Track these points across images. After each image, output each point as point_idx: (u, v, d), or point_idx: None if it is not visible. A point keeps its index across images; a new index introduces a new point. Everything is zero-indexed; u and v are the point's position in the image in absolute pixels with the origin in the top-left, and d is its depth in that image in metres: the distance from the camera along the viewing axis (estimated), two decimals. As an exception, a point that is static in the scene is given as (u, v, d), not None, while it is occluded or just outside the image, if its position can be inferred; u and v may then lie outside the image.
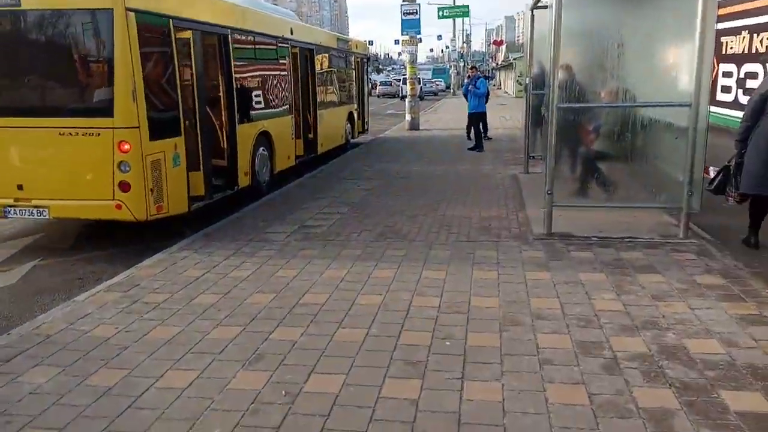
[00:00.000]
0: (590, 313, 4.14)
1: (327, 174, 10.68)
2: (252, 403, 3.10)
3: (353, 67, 15.39)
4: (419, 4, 18.61)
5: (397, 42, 20.85)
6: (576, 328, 3.89)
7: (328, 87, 13.19)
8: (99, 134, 6.03)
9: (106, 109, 6.01)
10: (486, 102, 14.16)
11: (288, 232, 6.56)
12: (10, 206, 6.25)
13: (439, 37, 66.85)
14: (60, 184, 6.18)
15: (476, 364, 3.43)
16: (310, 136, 12.17)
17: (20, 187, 6.20)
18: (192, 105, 7.16)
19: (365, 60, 16.44)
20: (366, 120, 16.65)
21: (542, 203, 6.12)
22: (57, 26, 6.13)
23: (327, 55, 13.04)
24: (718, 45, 16.24)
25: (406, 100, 19.18)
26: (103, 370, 3.48)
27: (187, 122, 6.94)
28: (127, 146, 6.04)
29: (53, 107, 6.21)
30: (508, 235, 6.19)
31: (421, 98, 43.95)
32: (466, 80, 14.38)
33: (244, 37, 8.75)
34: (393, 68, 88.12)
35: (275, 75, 10.02)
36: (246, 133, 8.64)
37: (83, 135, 6.06)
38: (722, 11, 16.09)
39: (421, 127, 19.18)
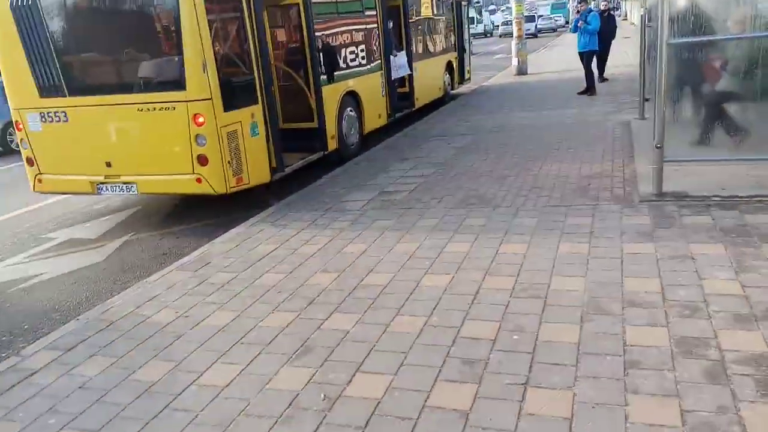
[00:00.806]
0: (698, 297, 3.43)
1: (418, 132, 10.19)
2: (288, 407, 2.85)
3: (450, 11, 14.49)
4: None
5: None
6: (677, 319, 3.22)
7: (422, 36, 12.51)
8: (174, 108, 5.99)
9: (178, 82, 5.94)
10: (613, 38, 12.88)
11: (366, 200, 6.25)
12: (102, 183, 6.47)
13: None
14: (144, 159, 6.28)
15: (546, 366, 2.93)
16: (405, 90, 11.71)
17: (109, 164, 6.39)
18: (269, 70, 6.96)
19: (464, 3, 15.41)
20: (467, 69, 15.76)
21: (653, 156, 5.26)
22: (126, 0, 6.10)
23: (419, 3, 12.32)
24: None
25: (512, 42, 17.91)
26: (152, 363, 3.40)
27: (264, 89, 6.75)
28: (201, 119, 5.95)
29: (130, 83, 6.25)
30: (609, 197, 5.42)
31: (535, 36, 41.85)
32: (576, 15, 12.99)
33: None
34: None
35: (361, 29, 9.57)
36: (331, 95, 8.35)
37: (160, 109, 6.06)
38: None
39: (529, 71, 17.91)
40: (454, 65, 14.68)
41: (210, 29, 5.90)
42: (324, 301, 3.95)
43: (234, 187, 6.30)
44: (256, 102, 6.62)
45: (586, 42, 11.72)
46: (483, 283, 3.95)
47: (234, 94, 6.28)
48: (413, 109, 11.70)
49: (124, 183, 6.43)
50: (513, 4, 17.63)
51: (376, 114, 10.01)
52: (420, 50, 12.33)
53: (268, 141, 6.86)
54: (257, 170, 6.68)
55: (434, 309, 3.65)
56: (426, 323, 3.49)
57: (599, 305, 3.47)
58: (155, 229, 6.52)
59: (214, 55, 5.98)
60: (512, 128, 9.46)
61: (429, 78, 12.89)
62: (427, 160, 7.85)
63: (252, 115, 6.56)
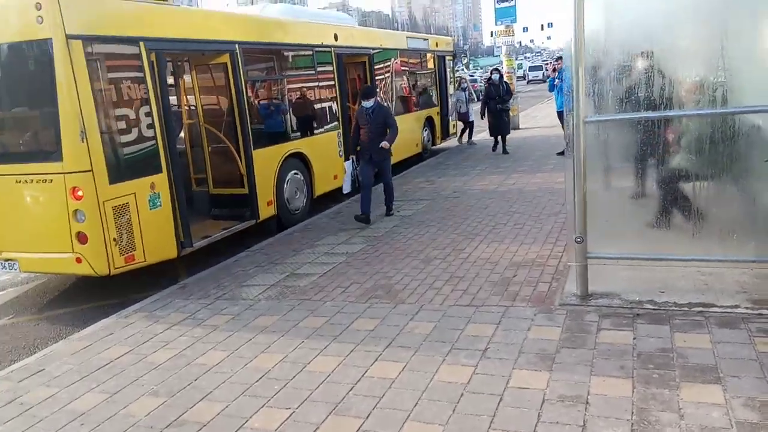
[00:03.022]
0: (572, 471, 2.56)
1: (376, 194, 9.44)
2: None
3: (433, 66, 13.98)
4: (514, -10, 16.71)
5: (492, 34, 18.97)
6: None
7: (396, 93, 11.97)
8: (52, 180, 5.39)
9: (55, 153, 5.35)
10: None
11: (267, 285, 5.50)
12: (-16, 259, 5.84)
13: (550, 25, 62.06)
14: (25, 235, 5.64)
15: None
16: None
17: (-9, 239, 5.77)
18: (174, 135, 6.37)
19: (448, 58, 14.91)
20: (452, 123, 15.14)
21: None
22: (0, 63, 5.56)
23: (392, 58, 11.83)
24: None
25: (504, 97, 17.31)
26: None
27: (170, 156, 6.13)
28: (80, 192, 5.33)
29: (8, 152, 5.70)
30: (528, 296, 4.59)
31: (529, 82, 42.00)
32: (551, 74, 12.37)
33: (259, 50, 7.85)
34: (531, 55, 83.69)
35: (312, 86, 9.03)
36: (268, 158, 7.72)
37: (38, 182, 5.46)
38: None
39: (521, 126, 17.24)
40: (436, 121, 14.08)
41: (93, 92, 5.32)
42: (121, 444, 3.16)
43: (122, 267, 5.61)
44: (158, 170, 6.00)
45: (563, 101, 11.00)
46: (321, 426, 3.12)
47: (125, 164, 5.67)
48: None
49: (6, 260, 5.78)
50: (504, 60, 17.13)
51: (330, 175, 9.34)
52: (392, 106, 11.76)
53: (174, 213, 6.20)
54: (158, 246, 6.00)
55: (237, 468, 2.83)
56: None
57: (438, 478, 2.61)
58: (39, 312, 5.83)
59: (99, 121, 5.39)
60: (472, 194, 8.69)
61: (403, 134, 12.17)
62: (363, 232, 7.11)
63: (152, 185, 5.92)
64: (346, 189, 8.12)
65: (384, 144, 7.47)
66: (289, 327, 4.48)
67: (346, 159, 8.37)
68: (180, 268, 6.42)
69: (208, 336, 4.49)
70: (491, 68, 13.89)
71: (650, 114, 4.20)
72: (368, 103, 7.49)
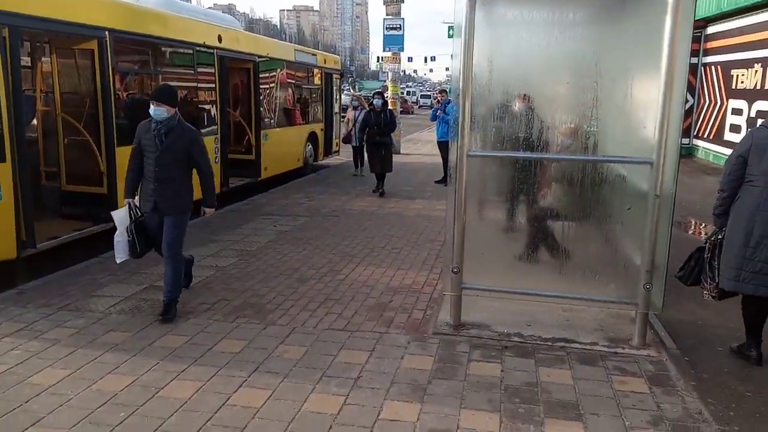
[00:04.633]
0: None
1: (252, 207, 9.10)
2: None
3: (320, 83, 13.88)
4: (403, 19, 17.15)
5: (379, 59, 19.29)
6: None
7: (279, 104, 11.68)
8: None
9: None
10: None
11: (122, 297, 4.98)
12: None
13: (433, 58, 65.53)
14: None
15: None
16: (250, 157, 10.69)
17: None
18: (29, 123, 5.67)
19: (336, 76, 14.90)
20: (336, 141, 15.10)
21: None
22: None
23: (279, 68, 11.55)
24: (728, 78, 14.61)
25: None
26: None
27: (17, 145, 5.41)
28: None
29: None
30: (403, 323, 4.54)
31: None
32: (435, 105, 12.76)
33: (133, 41, 7.24)
34: (411, 85, 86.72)
35: (188, 88, 8.52)
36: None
37: None
38: (733, 41, 14.46)
39: (402, 151, 17.62)
40: (319, 137, 13.96)
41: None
42: None
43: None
44: (0, 159, 5.27)
45: (444, 131, 11.38)
46: (169, 462, 2.79)
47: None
48: (257, 179, 10.66)
49: None
50: (389, 85, 17.49)
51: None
52: (275, 117, 11.47)
53: (17, 208, 5.47)
54: (-5, 244, 5.25)
55: None
56: None
57: None
58: None
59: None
60: (352, 214, 8.62)
61: (285, 147, 12.00)
62: (236, 245, 6.73)
63: (-8, 176, 5.19)
64: (121, 256, 4.63)
65: (207, 211, 4.91)
66: (143, 346, 4.05)
67: (130, 198, 4.68)
68: (19, 271, 5.65)
69: (46, 351, 3.93)
70: (374, 91, 11.76)
71: (529, 154, 4.35)
72: (159, 112, 4.38)
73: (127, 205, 4.65)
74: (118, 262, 4.69)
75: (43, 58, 7.03)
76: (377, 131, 10.25)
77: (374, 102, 10.52)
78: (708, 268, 4.01)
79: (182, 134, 4.50)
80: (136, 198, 4.69)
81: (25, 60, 6.58)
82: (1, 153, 5.27)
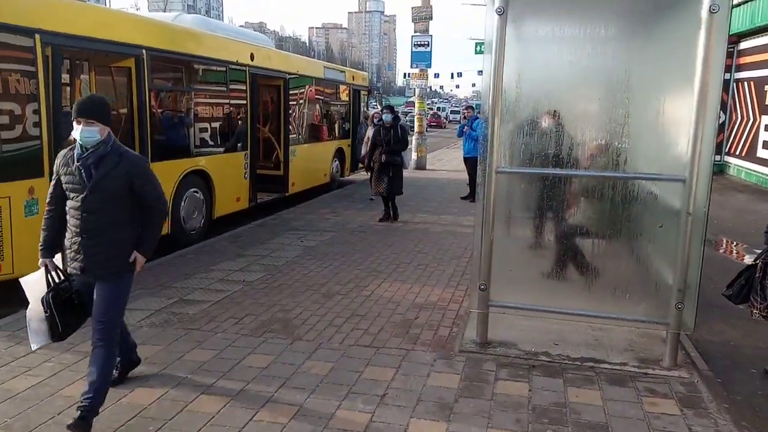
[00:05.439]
0: None
1: (279, 221, 9.19)
2: None
3: (347, 99, 14.03)
4: (431, 36, 17.25)
5: (405, 75, 19.40)
6: None
7: (307, 120, 11.83)
8: None
9: None
10: None
11: (152, 311, 5.06)
12: None
13: (479, 72, 65.42)
14: None
15: None
16: (279, 173, 10.83)
17: None
18: (68, 138, 5.82)
19: (363, 92, 15.05)
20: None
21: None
22: None
23: (308, 85, 11.72)
24: (761, 94, 14.33)
25: (413, 137, 17.68)
26: None
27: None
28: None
29: None
30: (429, 340, 4.52)
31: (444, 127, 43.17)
32: (462, 121, 12.77)
33: (169, 59, 7.44)
34: (436, 101, 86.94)
35: (220, 105, 8.69)
36: (165, 172, 7.22)
37: None
38: (766, 56, 14.18)
39: (428, 166, 17.66)
40: (346, 153, 14.08)
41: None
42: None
43: (-17, 278, 4.91)
44: (39, 174, 5.50)
45: (470, 147, 11.37)
46: (197, 476, 2.82)
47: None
48: (285, 194, 10.78)
49: None
50: (416, 101, 17.57)
51: (233, 197, 8.98)
52: (303, 133, 11.61)
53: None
54: (32, 257, 5.36)
55: None
56: None
57: None
58: None
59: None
60: (377, 230, 8.64)
61: (312, 162, 12.13)
62: (264, 260, 6.80)
63: (30, 189, 5.41)
64: (37, 341, 3.39)
65: (138, 258, 3.34)
66: (173, 359, 4.11)
67: (47, 258, 3.34)
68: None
69: (78, 364, 4.01)
70: (384, 105, 9.69)
71: (558, 171, 4.33)
72: (89, 134, 3.09)
73: (42, 268, 3.29)
74: (33, 348, 3.47)
75: (81, 75, 7.26)
76: (386, 149, 9.05)
77: (383, 117, 9.32)
78: (760, 287, 3.92)
79: (119, 163, 3.14)
80: (57, 257, 3.34)
81: (65, 77, 6.81)
82: (40, 168, 5.44)
